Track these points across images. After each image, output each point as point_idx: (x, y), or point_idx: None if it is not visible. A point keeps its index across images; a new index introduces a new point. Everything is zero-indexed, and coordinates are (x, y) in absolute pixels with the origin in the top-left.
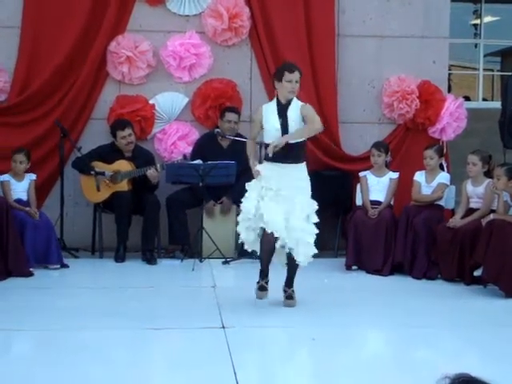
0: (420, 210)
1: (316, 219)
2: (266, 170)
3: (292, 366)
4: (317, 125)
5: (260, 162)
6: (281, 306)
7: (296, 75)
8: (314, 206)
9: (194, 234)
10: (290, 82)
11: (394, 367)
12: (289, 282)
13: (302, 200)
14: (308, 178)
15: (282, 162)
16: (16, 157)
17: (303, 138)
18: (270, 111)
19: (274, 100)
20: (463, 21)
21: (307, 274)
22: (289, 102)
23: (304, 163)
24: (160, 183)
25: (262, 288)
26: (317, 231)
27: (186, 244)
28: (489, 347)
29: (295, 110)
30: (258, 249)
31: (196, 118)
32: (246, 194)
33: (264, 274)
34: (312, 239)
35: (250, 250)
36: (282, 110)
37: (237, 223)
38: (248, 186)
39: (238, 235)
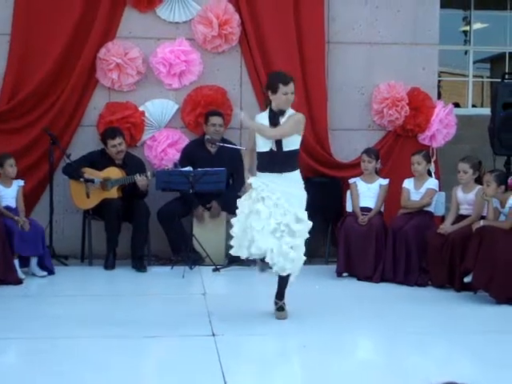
0: (410, 217)
1: (306, 235)
2: (259, 182)
3: (282, 373)
4: (273, 132)
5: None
6: (270, 313)
7: (291, 87)
8: (306, 223)
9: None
10: (286, 94)
11: (385, 374)
12: (279, 295)
13: (296, 212)
14: (302, 184)
15: (275, 171)
16: (6, 161)
17: (258, 131)
18: (262, 120)
19: (267, 111)
20: (453, 28)
21: (297, 281)
22: (282, 112)
23: (298, 171)
24: (150, 191)
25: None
26: (303, 249)
27: (190, 250)
28: (480, 353)
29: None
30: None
31: (186, 125)
32: (237, 211)
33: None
34: (299, 254)
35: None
36: (275, 119)
37: (227, 231)
38: (239, 202)
39: (228, 243)
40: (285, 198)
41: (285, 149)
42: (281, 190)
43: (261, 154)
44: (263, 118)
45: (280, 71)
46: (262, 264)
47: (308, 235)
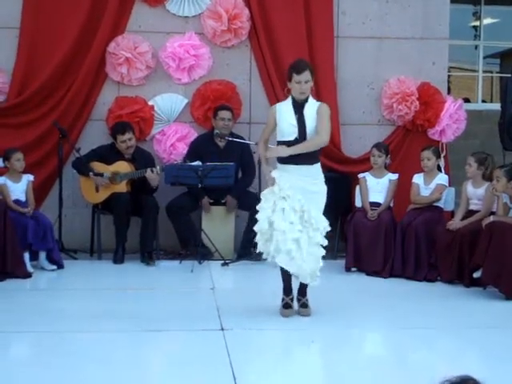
0: (420, 213)
1: (325, 242)
2: (280, 176)
3: (291, 367)
4: (324, 137)
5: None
6: (279, 307)
7: (305, 76)
8: (325, 225)
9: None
10: (299, 83)
11: (394, 369)
12: (302, 291)
13: (316, 217)
14: (323, 179)
15: (296, 163)
16: (13, 155)
17: (307, 150)
18: (284, 109)
19: (289, 98)
20: (463, 22)
21: None
22: (305, 100)
23: (319, 164)
24: (159, 185)
25: (287, 306)
26: (323, 253)
27: (199, 245)
28: (489, 349)
29: (312, 107)
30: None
31: (195, 120)
32: (260, 205)
33: (287, 290)
34: (317, 263)
35: (269, 260)
36: (299, 107)
37: (236, 226)
38: (262, 195)
39: (236, 237)
40: (304, 199)
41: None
42: (301, 187)
43: (284, 144)
44: (285, 106)
45: (298, 59)
46: (284, 311)
47: (326, 241)
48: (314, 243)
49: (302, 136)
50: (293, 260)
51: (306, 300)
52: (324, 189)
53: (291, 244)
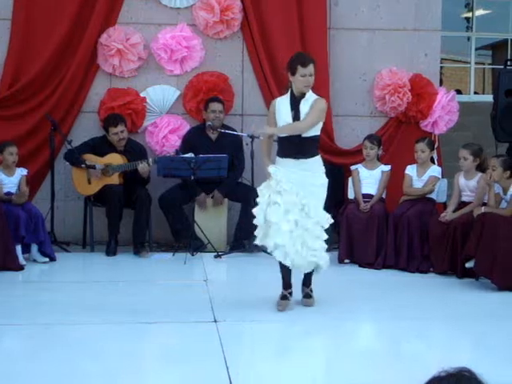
0: (412, 204)
1: (324, 236)
2: (277, 171)
3: (285, 359)
4: (302, 124)
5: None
6: (273, 300)
7: (310, 69)
8: (326, 218)
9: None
10: (304, 76)
11: (387, 360)
12: (306, 281)
13: (315, 210)
14: (323, 170)
15: (295, 157)
16: (6, 149)
17: (284, 134)
18: (283, 104)
19: (289, 93)
20: (455, 14)
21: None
22: (303, 95)
23: (318, 156)
24: (152, 177)
25: (284, 297)
26: (324, 246)
27: (192, 237)
28: (482, 339)
29: (308, 103)
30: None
31: (187, 111)
32: (257, 199)
33: (286, 284)
34: (321, 257)
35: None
36: (295, 103)
37: (228, 218)
38: (259, 190)
39: (229, 229)
40: (304, 192)
41: (307, 134)
42: (301, 180)
43: (282, 139)
44: (283, 101)
45: (300, 53)
46: (280, 302)
47: (326, 235)
48: (313, 236)
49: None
50: (287, 254)
51: (310, 290)
52: (325, 181)
53: (284, 237)
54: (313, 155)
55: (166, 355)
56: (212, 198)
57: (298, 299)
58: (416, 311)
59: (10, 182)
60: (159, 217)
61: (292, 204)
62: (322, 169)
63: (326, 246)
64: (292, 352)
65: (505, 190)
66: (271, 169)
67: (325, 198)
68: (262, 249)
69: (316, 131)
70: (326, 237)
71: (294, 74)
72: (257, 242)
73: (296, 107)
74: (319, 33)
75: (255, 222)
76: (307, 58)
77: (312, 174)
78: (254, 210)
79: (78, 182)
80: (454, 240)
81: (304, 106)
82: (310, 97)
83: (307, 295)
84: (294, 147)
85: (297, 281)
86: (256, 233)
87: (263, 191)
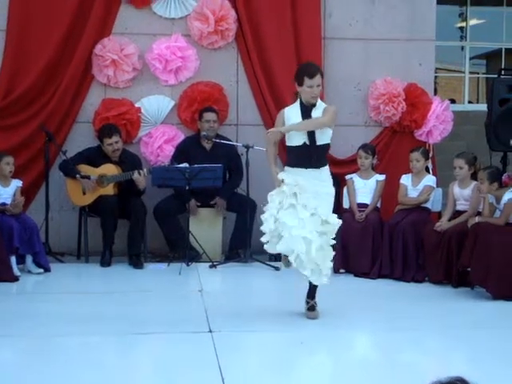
0: (407, 213)
1: (332, 241)
2: (288, 178)
3: (280, 370)
4: (324, 119)
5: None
6: (267, 309)
7: (317, 80)
8: (338, 221)
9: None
10: (311, 87)
11: (383, 369)
12: (311, 293)
13: (327, 214)
14: (331, 181)
15: (306, 166)
16: (3, 159)
17: (305, 129)
18: (292, 113)
19: (297, 102)
20: (449, 24)
21: (294, 278)
22: (313, 105)
23: (327, 166)
24: (146, 188)
25: (311, 308)
26: (333, 253)
27: (187, 247)
28: (477, 349)
29: (319, 111)
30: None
31: (182, 122)
32: (268, 205)
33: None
34: (326, 264)
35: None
36: (307, 112)
37: (223, 227)
38: (269, 196)
39: (224, 239)
40: (314, 199)
41: (319, 142)
42: (311, 189)
43: (293, 149)
44: (293, 111)
45: (308, 63)
46: (286, 259)
47: (333, 241)
48: (325, 241)
49: (311, 141)
50: (302, 261)
51: (315, 303)
52: (332, 191)
53: (300, 244)
54: (323, 164)
55: (161, 366)
56: (215, 204)
57: (301, 311)
58: (411, 321)
59: (5, 193)
60: (154, 227)
61: (304, 207)
62: (330, 178)
63: (333, 253)
64: (288, 362)
65: (498, 200)
66: (282, 175)
67: (332, 207)
68: (256, 259)
69: (327, 139)
70: (333, 242)
71: (301, 84)
72: (265, 247)
73: (308, 115)
74: (314, 43)
75: (262, 228)
76: (314, 68)
77: (320, 182)
78: (263, 216)
79: (72, 193)
80: (449, 249)
81: (316, 114)
82: (320, 105)
83: (311, 307)
84: (307, 156)
85: (272, 283)
86: (263, 239)
87: (273, 197)
